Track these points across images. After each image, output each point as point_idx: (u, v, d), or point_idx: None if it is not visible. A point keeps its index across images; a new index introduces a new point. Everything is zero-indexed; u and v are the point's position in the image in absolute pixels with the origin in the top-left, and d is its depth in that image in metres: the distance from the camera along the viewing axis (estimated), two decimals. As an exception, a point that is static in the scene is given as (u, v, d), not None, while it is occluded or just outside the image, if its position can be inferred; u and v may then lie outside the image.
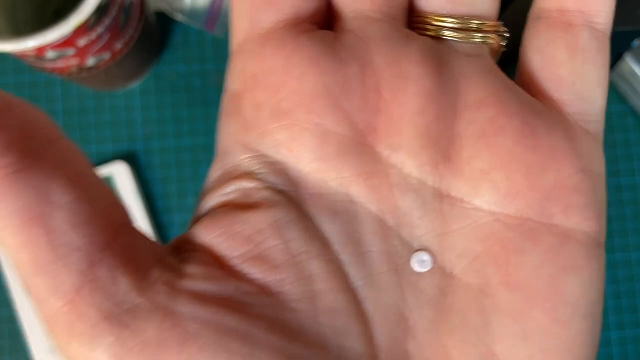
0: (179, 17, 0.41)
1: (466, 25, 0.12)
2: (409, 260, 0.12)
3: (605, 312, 0.41)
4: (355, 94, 0.11)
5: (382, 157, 0.11)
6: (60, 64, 0.33)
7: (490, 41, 0.12)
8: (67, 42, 0.30)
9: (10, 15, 0.35)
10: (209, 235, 0.11)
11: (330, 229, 0.11)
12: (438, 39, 0.12)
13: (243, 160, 0.12)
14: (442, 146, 0.11)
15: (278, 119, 0.11)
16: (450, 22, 0.12)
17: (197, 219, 0.12)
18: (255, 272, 0.11)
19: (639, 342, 0.41)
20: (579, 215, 0.11)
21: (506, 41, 0.13)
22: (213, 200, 0.12)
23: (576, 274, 0.11)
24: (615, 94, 0.42)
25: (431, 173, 0.11)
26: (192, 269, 0.11)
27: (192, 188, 0.41)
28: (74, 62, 0.33)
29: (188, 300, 0.10)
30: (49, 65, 0.33)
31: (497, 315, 0.11)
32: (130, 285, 0.10)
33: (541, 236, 0.11)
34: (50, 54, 0.31)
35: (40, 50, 0.30)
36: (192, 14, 0.41)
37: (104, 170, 0.40)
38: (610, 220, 0.42)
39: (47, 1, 0.39)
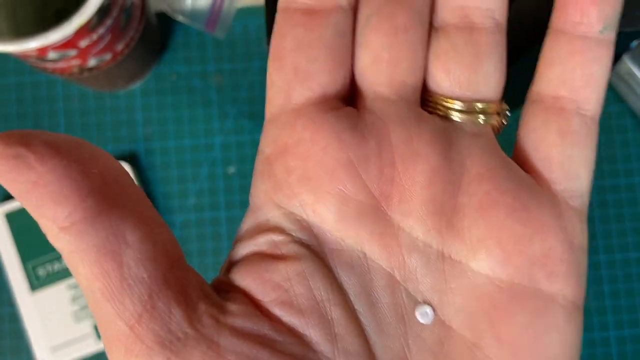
0: (180, 18, 0.41)
1: (471, 108, 0.14)
2: (413, 312, 0.13)
3: (604, 312, 0.41)
4: (373, 166, 0.13)
5: (393, 221, 0.13)
6: (62, 65, 0.33)
7: (493, 122, 0.14)
8: (69, 42, 0.30)
9: (11, 15, 0.35)
10: (244, 280, 0.13)
11: (347, 280, 0.13)
12: (446, 118, 0.14)
13: (273, 215, 0.13)
14: (446, 214, 0.13)
15: (305, 183, 0.13)
16: (457, 105, 0.14)
17: (232, 263, 0.14)
18: (284, 314, 0.13)
19: (637, 342, 0.41)
20: (561, 282, 0.13)
21: (507, 118, 0.15)
22: (246, 248, 0.14)
23: (557, 333, 0.13)
24: (614, 94, 0.43)
25: (435, 237, 0.13)
26: (232, 306, 0.13)
27: (192, 188, 0.42)
28: (75, 62, 0.33)
29: (229, 334, 0.12)
30: (50, 66, 0.33)
31: None
32: (181, 315, 0.12)
33: (528, 299, 0.13)
34: (52, 55, 0.31)
35: (42, 51, 0.30)
36: (193, 14, 0.41)
37: (105, 170, 0.40)
38: (608, 220, 0.42)
39: (49, 2, 0.39)
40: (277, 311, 0.13)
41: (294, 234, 0.13)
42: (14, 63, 0.42)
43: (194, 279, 0.13)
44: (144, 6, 0.36)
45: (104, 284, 0.11)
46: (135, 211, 0.12)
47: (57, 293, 0.39)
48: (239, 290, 0.13)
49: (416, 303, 0.13)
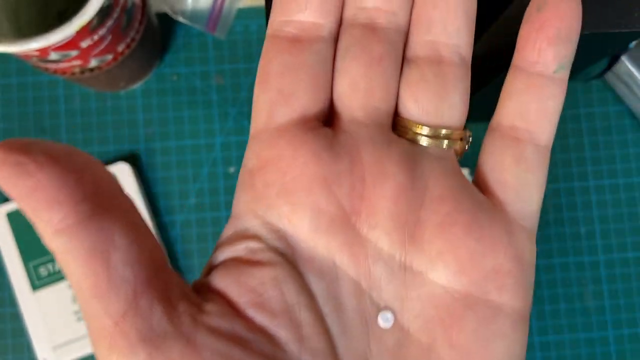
0: (181, 19, 0.42)
1: (437, 134, 0.15)
2: (376, 317, 0.15)
3: (603, 311, 0.42)
4: (345, 183, 0.14)
5: (361, 233, 0.14)
6: (63, 65, 0.33)
7: (456, 146, 0.16)
8: (70, 43, 0.30)
9: (13, 16, 0.35)
10: (221, 283, 0.14)
11: (316, 286, 0.14)
12: (414, 142, 0.15)
13: (252, 225, 0.15)
14: (409, 229, 0.14)
15: (283, 196, 0.14)
16: (424, 130, 0.15)
17: (212, 267, 0.15)
18: (257, 315, 0.14)
19: (635, 341, 0.42)
20: (509, 294, 0.14)
21: (469, 144, 0.16)
22: (225, 253, 0.15)
23: (503, 340, 0.14)
24: (612, 95, 0.43)
25: (399, 249, 0.14)
26: (210, 306, 0.14)
27: (193, 188, 0.42)
28: (76, 63, 0.33)
29: (206, 332, 0.13)
30: (51, 66, 0.33)
31: None
32: (162, 314, 0.13)
33: (479, 307, 0.14)
34: (53, 55, 0.31)
35: (44, 52, 0.30)
36: (194, 15, 0.42)
37: (106, 171, 0.40)
38: (607, 220, 0.42)
39: (50, 3, 0.39)
40: (251, 312, 0.14)
41: (269, 242, 0.14)
42: (16, 63, 0.42)
43: (176, 281, 0.14)
44: (145, 7, 0.36)
45: (92, 282, 0.12)
46: (125, 217, 0.13)
47: (59, 292, 0.39)
48: (217, 292, 0.14)
49: (379, 309, 0.15)
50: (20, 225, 0.39)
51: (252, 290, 0.14)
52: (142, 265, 0.13)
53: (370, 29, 0.15)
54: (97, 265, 0.12)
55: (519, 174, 0.15)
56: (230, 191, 0.42)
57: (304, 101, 0.15)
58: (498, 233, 0.15)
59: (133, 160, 0.42)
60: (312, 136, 0.15)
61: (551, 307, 0.42)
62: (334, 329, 0.14)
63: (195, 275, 0.41)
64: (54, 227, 0.12)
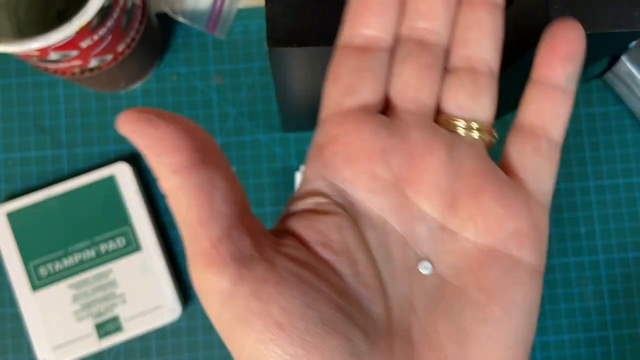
0: (181, 19, 0.42)
1: (469, 126, 0.19)
2: (417, 265, 0.18)
3: (603, 311, 0.42)
4: (397, 155, 0.18)
5: (408, 196, 0.18)
6: (63, 65, 0.33)
7: (484, 138, 0.20)
8: (70, 43, 0.30)
9: (13, 16, 0.35)
10: (295, 225, 0.18)
11: (370, 236, 0.18)
12: (452, 131, 0.19)
13: (320, 185, 0.18)
14: (447, 196, 0.18)
15: (346, 163, 0.18)
16: (460, 123, 0.19)
17: (285, 216, 0.19)
18: (323, 251, 0.17)
19: (635, 341, 0.42)
20: (526, 251, 0.18)
21: (495, 140, 0.21)
22: (298, 206, 0.18)
23: (521, 286, 0.18)
24: (612, 95, 0.43)
25: (438, 212, 0.18)
26: (286, 241, 0.17)
27: (193, 188, 0.42)
28: (76, 63, 0.33)
29: (283, 258, 0.17)
30: (51, 66, 0.33)
31: (468, 305, 0.18)
32: (250, 243, 0.16)
33: (502, 260, 0.18)
34: (53, 55, 0.31)
35: (44, 51, 0.30)
36: (194, 15, 0.42)
37: (106, 171, 0.40)
38: (607, 220, 0.42)
39: (50, 3, 0.39)
40: (318, 249, 0.17)
41: (334, 198, 0.18)
42: (16, 63, 0.42)
43: (258, 223, 0.17)
44: (145, 7, 0.36)
45: (197, 212, 0.16)
46: (223, 168, 0.17)
47: (59, 292, 0.39)
48: (291, 233, 0.18)
49: (420, 259, 0.18)
50: (20, 225, 0.40)
51: (320, 232, 0.17)
52: (235, 205, 0.16)
53: (421, 43, 0.19)
54: (203, 199, 0.16)
55: (536, 159, 0.19)
56: (230, 191, 0.42)
57: (366, 94, 0.19)
58: (519, 203, 0.19)
59: (133, 160, 0.42)
60: (372, 118, 0.18)
61: (551, 307, 0.42)
62: (383, 271, 0.18)
63: (195, 275, 0.41)
64: (172, 167, 0.16)
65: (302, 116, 0.38)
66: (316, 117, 0.39)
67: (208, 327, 0.41)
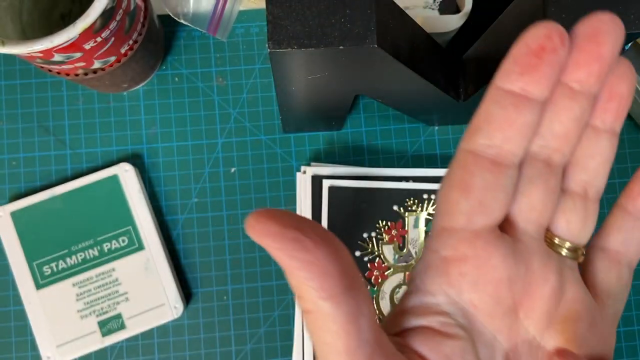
0: (182, 21, 0.42)
1: (576, 249, 0.20)
2: None
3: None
4: (519, 283, 0.19)
5: (520, 318, 0.19)
6: (67, 67, 0.33)
7: (580, 259, 0.21)
8: (74, 45, 0.31)
9: (17, 18, 0.35)
10: (422, 347, 0.19)
11: (482, 354, 0.19)
12: (557, 253, 0.20)
13: (443, 302, 0.19)
14: (551, 320, 0.19)
15: (474, 286, 0.19)
16: (567, 244, 0.20)
17: (406, 324, 0.19)
18: None
19: (631, 339, 0.42)
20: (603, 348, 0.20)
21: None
22: (421, 321, 0.19)
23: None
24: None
25: (540, 334, 0.19)
26: None
27: (194, 188, 0.42)
28: (80, 64, 0.33)
29: None
30: (55, 68, 0.34)
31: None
32: None
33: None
34: (57, 57, 0.31)
35: (47, 53, 0.30)
36: (195, 18, 0.42)
37: (110, 171, 0.40)
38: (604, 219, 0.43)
39: (54, 5, 0.39)
40: None
41: (457, 319, 0.19)
42: (20, 65, 0.43)
43: (387, 340, 0.18)
44: (147, 9, 0.36)
45: (345, 341, 0.16)
46: (365, 290, 0.17)
47: (63, 291, 0.39)
48: (417, 353, 0.18)
49: None
50: (24, 224, 0.40)
51: (446, 357, 0.18)
52: (376, 329, 0.17)
53: (548, 164, 0.20)
54: (351, 327, 0.16)
55: (619, 288, 0.21)
56: (231, 191, 0.42)
57: (497, 214, 0.19)
58: (605, 331, 0.20)
59: (136, 160, 0.42)
60: (501, 243, 0.19)
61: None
62: None
63: (195, 274, 0.42)
64: (322, 295, 0.16)
65: (303, 117, 0.39)
66: (316, 118, 0.39)
67: (209, 325, 0.41)
